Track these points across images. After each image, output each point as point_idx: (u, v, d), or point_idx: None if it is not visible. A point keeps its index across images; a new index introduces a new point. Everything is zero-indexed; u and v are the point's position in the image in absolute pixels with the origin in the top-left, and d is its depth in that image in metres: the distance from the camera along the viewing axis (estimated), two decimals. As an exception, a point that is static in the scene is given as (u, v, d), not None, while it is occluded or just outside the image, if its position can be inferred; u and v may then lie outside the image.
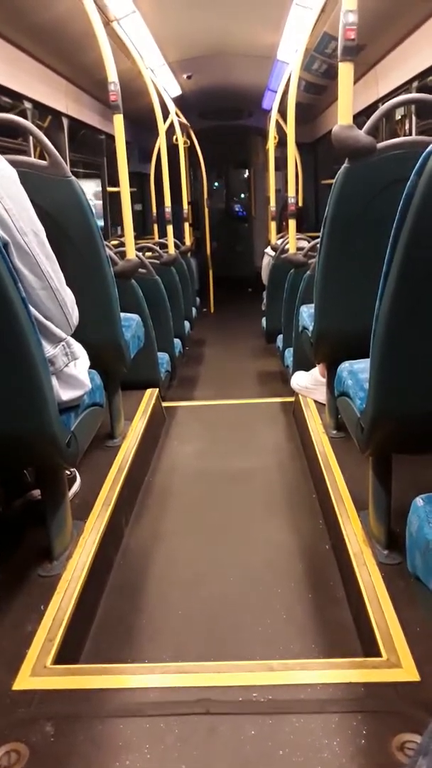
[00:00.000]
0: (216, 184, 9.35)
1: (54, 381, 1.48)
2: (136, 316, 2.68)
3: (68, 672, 1.36)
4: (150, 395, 3.04)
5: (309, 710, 1.23)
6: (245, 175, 9.40)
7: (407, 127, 3.87)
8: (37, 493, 1.92)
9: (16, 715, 1.23)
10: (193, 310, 5.31)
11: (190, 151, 6.84)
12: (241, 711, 1.24)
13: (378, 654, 1.35)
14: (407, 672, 1.29)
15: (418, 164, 1.09)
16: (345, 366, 1.81)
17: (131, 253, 2.83)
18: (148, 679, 1.35)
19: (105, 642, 1.62)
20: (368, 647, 1.45)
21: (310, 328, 2.42)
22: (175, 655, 1.56)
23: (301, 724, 1.20)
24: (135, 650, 1.59)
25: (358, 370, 1.72)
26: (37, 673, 1.33)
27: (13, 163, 1.36)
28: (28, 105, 3.65)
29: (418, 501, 1.06)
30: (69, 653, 1.45)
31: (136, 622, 1.70)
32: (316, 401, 2.89)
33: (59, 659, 1.39)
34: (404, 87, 3.73)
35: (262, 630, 1.65)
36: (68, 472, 2.00)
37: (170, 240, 4.37)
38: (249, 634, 1.64)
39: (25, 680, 1.31)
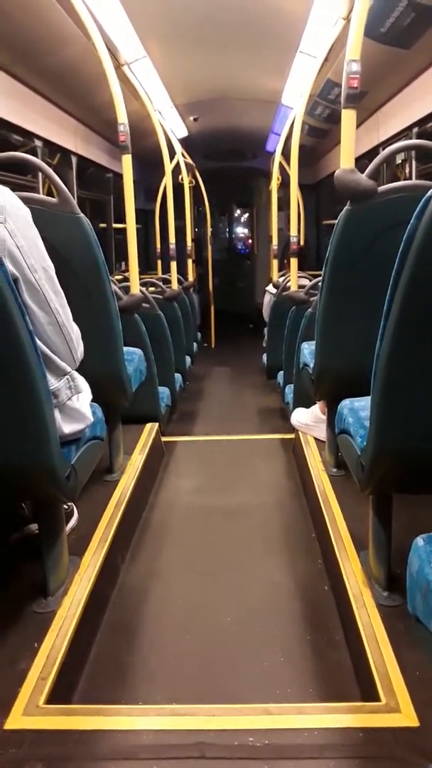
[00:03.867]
0: (219, 223, 9.51)
1: (56, 414, 1.49)
2: (138, 350, 2.70)
3: (61, 712, 1.33)
4: (150, 429, 3.04)
5: (306, 755, 1.20)
6: (248, 215, 9.57)
7: (407, 171, 3.96)
8: (34, 527, 1.91)
9: (6, 756, 1.20)
10: (195, 345, 5.34)
11: (195, 190, 6.98)
12: (236, 755, 1.21)
13: (377, 698, 1.32)
14: (406, 717, 1.26)
15: (418, 208, 1.12)
16: (345, 404, 1.82)
17: (135, 288, 2.87)
18: (142, 721, 1.32)
19: (99, 682, 1.58)
20: (367, 691, 1.42)
21: (311, 365, 2.43)
22: (170, 696, 1.52)
23: (298, 770, 1.17)
24: (129, 691, 1.56)
25: (358, 408, 1.72)
26: (29, 712, 1.30)
27: (24, 201, 1.40)
28: (38, 143, 3.74)
29: (419, 541, 1.05)
30: (62, 693, 1.42)
31: (131, 662, 1.66)
32: (316, 438, 2.88)
33: (52, 699, 1.36)
34: (404, 132, 3.82)
35: (258, 672, 1.61)
36: (66, 507, 1.99)
37: (173, 276, 4.43)
38: (245, 676, 1.60)
39: (17, 720, 1.28)
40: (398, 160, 4.09)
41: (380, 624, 1.53)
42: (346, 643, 1.68)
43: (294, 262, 3.60)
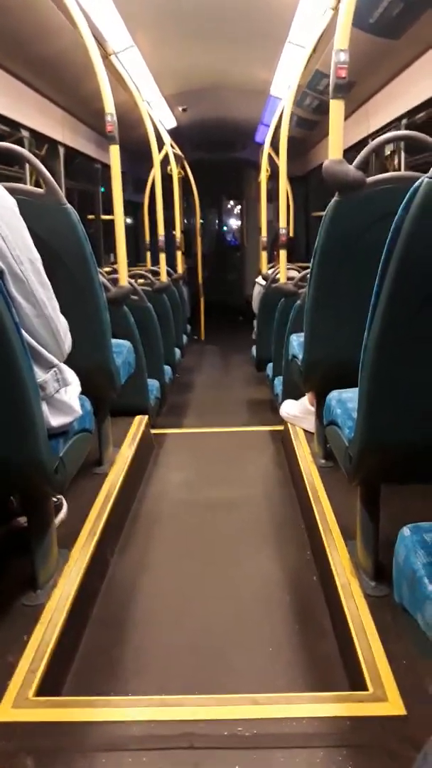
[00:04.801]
0: (208, 214, 9.47)
1: (44, 406, 1.48)
2: (127, 343, 2.69)
3: (50, 704, 1.34)
4: (139, 422, 3.03)
5: (294, 745, 1.21)
6: (237, 206, 9.54)
7: (396, 162, 3.96)
8: (23, 520, 1.90)
9: (-4, 748, 1.20)
10: (184, 337, 5.33)
11: (184, 181, 6.95)
12: (225, 745, 1.22)
13: (364, 687, 1.34)
14: (393, 706, 1.27)
15: (405, 199, 1.12)
16: (334, 395, 1.82)
17: (124, 280, 2.85)
18: (132, 712, 1.33)
19: (88, 674, 1.58)
20: (354, 680, 1.43)
21: (300, 357, 2.44)
22: (160, 688, 1.53)
23: (287, 758, 1.18)
24: (119, 683, 1.56)
25: (346, 399, 1.73)
26: (18, 705, 1.30)
27: (11, 192, 1.38)
28: (25, 133, 3.70)
29: (405, 531, 1.06)
30: (51, 685, 1.43)
31: (120, 655, 1.67)
32: (305, 430, 2.89)
33: (41, 691, 1.36)
34: (393, 124, 3.82)
35: (247, 663, 1.62)
36: (55, 499, 1.99)
37: (162, 268, 4.42)
38: (234, 667, 1.61)
39: (6, 712, 1.28)
40: (387, 152, 4.10)
41: (368, 614, 1.54)
42: (333, 633, 1.69)
43: (283, 253, 3.60)
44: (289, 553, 2.16)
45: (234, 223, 9.73)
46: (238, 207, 9.55)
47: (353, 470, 1.55)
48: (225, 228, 9.75)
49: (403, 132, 3.45)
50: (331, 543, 1.89)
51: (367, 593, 1.62)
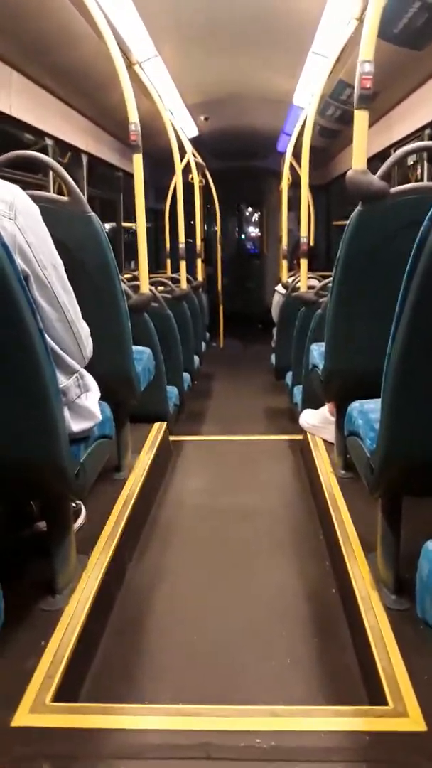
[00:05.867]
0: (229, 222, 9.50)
1: (65, 412, 1.49)
2: (147, 349, 2.70)
3: (68, 710, 1.33)
4: (158, 429, 3.04)
5: (313, 758, 1.20)
6: (258, 215, 9.56)
7: (419, 172, 3.94)
8: (42, 524, 1.91)
9: (13, 753, 1.20)
10: (203, 344, 5.34)
11: (205, 189, 6.98)
12: (242, 757, 1.21)
13: (384, 702, 1.32)
14: (414, 722, 1.25)
15: (431, 209, 1.11)
16: (355, 405, 1.81)
17: (145, 287, 2.87)
18: (149, 720, 1.32)
19: (105, 680, 1.58)
20: (374, 695, 1.41)
21: (321, 367, 2.43)
22: (176, 696, 1.52)
23: (304, 772, 1.17)
24: (135, 690, 1.56)
25: (368, 410, 1.71)
26: (36, 710, 1.30)
27: (36, 199, 1.40)
28: (49, 142, 3.75)
29: (429, 545, 1.05)
30: (69, 691, 1.42)
31: (137, 661, 1.66)
32: (324, 440, 2.87)
33: (59, 696, 1.36)
34: (417, 134, 3.81)
35: (265, 674, 1.61)
36: (74, 505, 1.99)
37: (183, 275, 4.43)
38: (252, 677, 1.60)
39: (23, 717, 1.28)
40: (410, 162, 4.08)
41: (388, 627, 1.52)
42: (353, 646, 1.67)
43: (304, 262, 3.59)
44: (308, 563, 2.14)
45: (254, 231, 9.74)
46: (259, 215, 9.57)
47: (375, 482, 1.53)
48: (245, 236, 9.76)
49: (428, 143, 3.44)
50: (350, 555, 1.87)
51: (387, 607, 1.60)
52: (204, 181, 6.81)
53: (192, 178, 5.83)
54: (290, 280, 4.42)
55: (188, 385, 4.03)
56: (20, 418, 1.36)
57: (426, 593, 1.02)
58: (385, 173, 1.87)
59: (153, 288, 3.16)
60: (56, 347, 1.44)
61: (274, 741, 1.23)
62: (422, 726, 1.24)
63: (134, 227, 2.91)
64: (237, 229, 9.74)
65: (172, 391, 3.40)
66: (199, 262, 6.21)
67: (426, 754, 1.18)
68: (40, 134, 3.64)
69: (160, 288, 4.02)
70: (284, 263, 5.26)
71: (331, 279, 2.12)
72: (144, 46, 3.53)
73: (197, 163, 6.04)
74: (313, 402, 3.08)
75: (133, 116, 2.70)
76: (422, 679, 1.35)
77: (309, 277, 3.70)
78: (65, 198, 1.93)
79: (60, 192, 3.35)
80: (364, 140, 2.06)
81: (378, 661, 1.42)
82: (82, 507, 2.11)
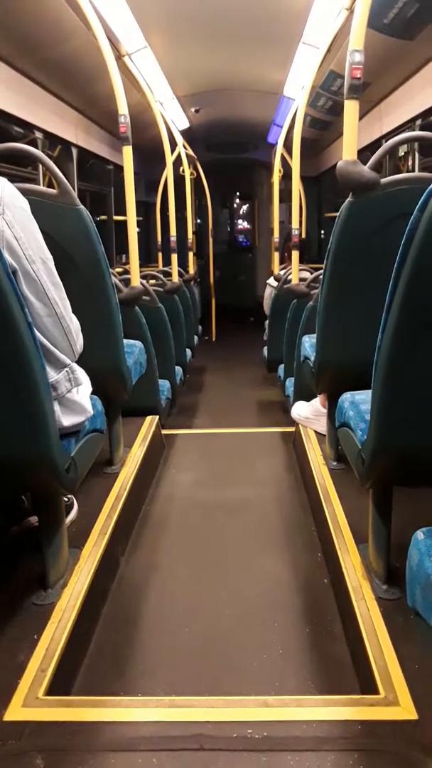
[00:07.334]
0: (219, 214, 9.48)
1: (56, 406, 1.49)
2: (138, 343, 2.69)
3: (60, 704, 1.34)
4: (150, 422, 3.04)
5: (304, 748, 1.20)
6: (249, 207, 9.54)
7: (410, 163, 3.94)
8: (34, 519, 1.91)
9: (6, 747, 1.20)
10: (195, 338, 5.33)
11: (196, 182, 6.95)
12: (235, 747, 1.21)
13: (375, 691, 1.33)
14: (405, 710, 1.26)
15: (421, 200, 1.11)
16: (346, 397, 1.81)
17: (136, 280, 2.86)
18: (142, 713, 1.33)
19: (98, 674, 1.59)
20: (366, 684, 1.42)
21: (312, 359, 2.43)
22: (169, 689, 1.53)
23: (296, 762, 1.18)
24: (128, 683, 1.56)
25: (359, 401, 1.72)
26: (28, 704, 1.30)
27: (24, 192, 1.39)
28: (38, 135, 3.72)
29: (419, 534, 1.05)
30: (61, 684, 1.43)
31: (130, 655, 1.67)
32: (316, 432, 2.88)
33: (51, 690, 1.36)
34: (408, 125, 3.80)
35: (257, 665, 1.62)
36: (66, 499, 1.99)
37: (174, 268, 4.42)
38: (244, 668, 1.61)
39: (16, 711, 1.28)
40: (401, 152, 4.08)
41: (379, 617, 1.53)
42: (345, 636, 1.68)
43: (295, 254, 3.59)
44: (300, 555, 2.15)
45: (246, 223, 9.72)
46: (250, 207, 9.54)
47: (366, 473, 1.54)
48: (237, 229, 9.74)
49: (418, 133, 3.43)
50: (342, 545, 1.88)
51: (378, 596, 1.61)
52: (195, 173, 6.78)
53: (183, 171, 5.81)
54: (282, 272, 4.41)
55: (180, 379, 4.03)
56: (9, 413, 1.36)
57: (416, 583, 1.03)
58: (376, 164, 1.86)
59: (144, 281, 3.14)
60: (46, 342, 1.44)
61: (266, 731, 1.24)
62: (413, 714, 1.25)
63: (125, 220, 2.89)
64: (228, 221, 9.71)
65: (164, 384, 3.40)
66: (190, 255, 6.20)
67: (417, 742, 1.19)
68: (29, 127, 3.61)
69: (152, 281, 4.01)
70: (276, 255, 5.25)
71: (322, 271, 2.12)
72: (133, 38, 3.50)
73: (188, 156, 6.02)
74: (305, 394, 3.09)
75: (123, 108, 2.69)
76: (413, 668, 1.36)
77: (301, 269, 3.70)
78: (54, 191, 1.91)
79: (50, 185, 3.33)
80: (354, 130, 2.06)
81: (369, 651, 1.43)
82: (74, 501, 2.11)
